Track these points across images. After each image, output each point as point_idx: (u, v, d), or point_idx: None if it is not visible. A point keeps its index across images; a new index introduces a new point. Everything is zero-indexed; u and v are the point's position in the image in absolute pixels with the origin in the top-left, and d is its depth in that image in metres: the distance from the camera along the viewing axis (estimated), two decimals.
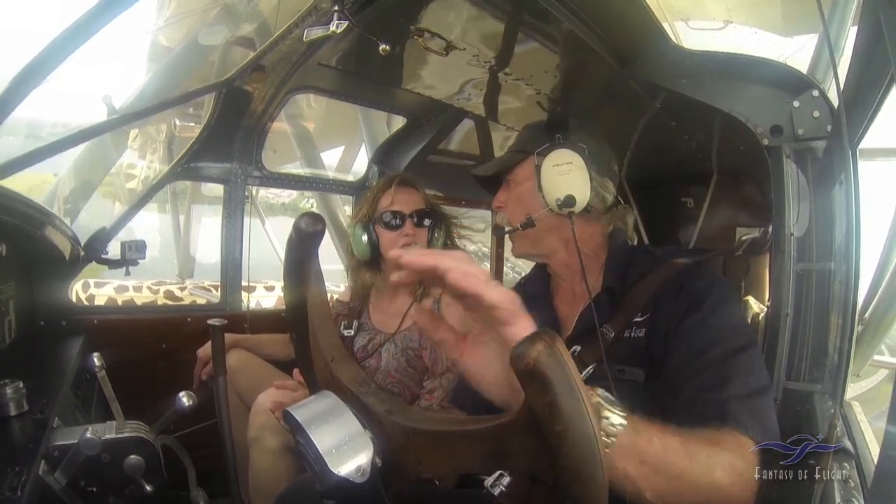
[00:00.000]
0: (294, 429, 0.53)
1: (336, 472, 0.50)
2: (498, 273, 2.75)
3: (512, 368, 0.35)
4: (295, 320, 0.61)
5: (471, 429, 0.43)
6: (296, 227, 0.54)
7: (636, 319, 0.90)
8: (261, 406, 1.31)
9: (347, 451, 0.51)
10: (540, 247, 1.05)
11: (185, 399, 0.81)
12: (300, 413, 0.53)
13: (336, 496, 0.52)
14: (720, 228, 1.92)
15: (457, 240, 1.59)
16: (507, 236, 1.08)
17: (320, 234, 0.55)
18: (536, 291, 1.09)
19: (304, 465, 0.53)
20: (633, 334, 0.89)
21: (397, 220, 1.44)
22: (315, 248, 0.57)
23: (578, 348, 0.93)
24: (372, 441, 0.53)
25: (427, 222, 1.47)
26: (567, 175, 0.98)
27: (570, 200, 0.96)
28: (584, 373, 0.88)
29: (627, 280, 0.95)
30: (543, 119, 1.07)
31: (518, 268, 4.22)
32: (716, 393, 0.74)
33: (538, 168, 0.99)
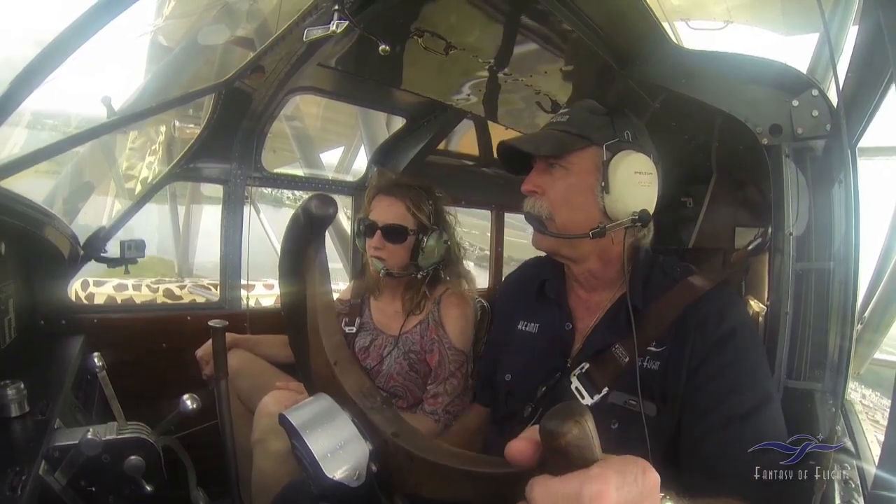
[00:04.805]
0: (289, 432, 0.52)
1: (331, 476, 0.49)
2: (497, 274, 2.75)
3: (541, 441, 0.34)
4: (294, 315, 0.57)
5: (478, 471, 0.42)
6: (304, 210, 0.48)
7: (650, 349, 0.83)
8: (265, 409, 1.30)
9: (343, 456, 0.51)
10: (573, 250, 0.91)
11: (189, 402, 0.81)
12: (295, 416, 0.52)
13: (332, 498, 0.52)
14: (719, 228, 1.92)
15: (458, 247, 1.51)
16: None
17: (331, 219, 0.49)
18: (554, 292, 0.99)
19: (301, 468, 0.52)
20: (646, 364, 0.83)
21: (370, 230, 1.41)
22: (322, 235, 0.53)
23: (587, 366, 0.87)
24: (368, 446, 0.52)
25: (399, 240, 1.38)
26: (647, 187, 0.86)
27: (646, 217, 0.85)
28: (595, 397, 0.84)
29: (643, 297, 0.88)
30: (595, 103, 0.93)
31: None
32: (733, 463, 0.71)
33: (607, 165, 0.85)
